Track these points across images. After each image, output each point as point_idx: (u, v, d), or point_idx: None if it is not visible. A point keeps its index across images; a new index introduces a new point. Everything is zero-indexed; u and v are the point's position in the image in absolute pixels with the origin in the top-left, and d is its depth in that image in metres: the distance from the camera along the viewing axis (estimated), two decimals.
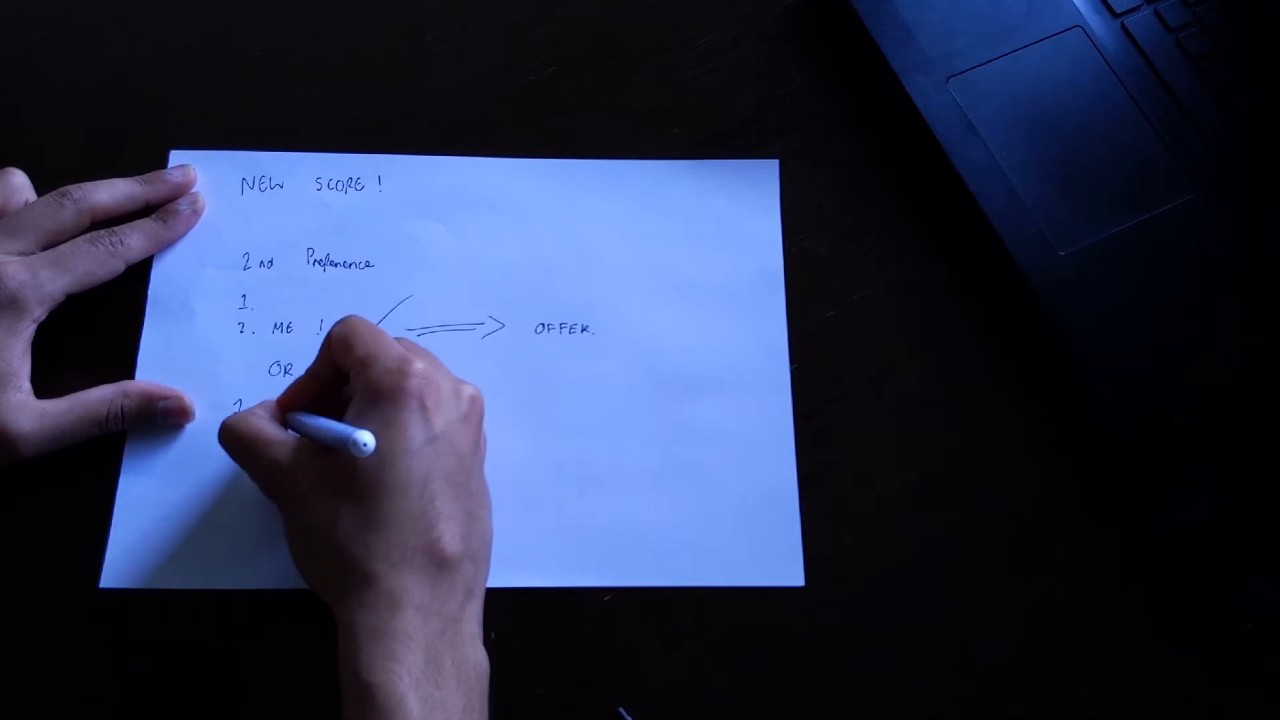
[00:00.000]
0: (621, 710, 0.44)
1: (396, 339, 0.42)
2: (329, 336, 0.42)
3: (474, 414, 0.41)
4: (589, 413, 0.48)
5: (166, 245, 0.50)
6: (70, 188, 0.47)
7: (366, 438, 0.37)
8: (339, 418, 0.40)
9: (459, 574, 0.39)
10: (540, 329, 0.50)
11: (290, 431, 0.42)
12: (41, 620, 0.44)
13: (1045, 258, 0.49)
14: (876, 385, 0.49)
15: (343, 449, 0.37)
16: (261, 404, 0.43)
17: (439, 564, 0.38)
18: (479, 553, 0.40)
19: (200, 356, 0.48)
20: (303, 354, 0.48)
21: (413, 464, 0.38)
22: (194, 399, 0.47)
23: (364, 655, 0.36)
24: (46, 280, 0.45)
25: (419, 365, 0.39)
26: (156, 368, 0.48)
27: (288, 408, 0.43)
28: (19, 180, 0.48)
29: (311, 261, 0.50)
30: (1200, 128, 0.52)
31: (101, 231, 0.47)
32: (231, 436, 0.42)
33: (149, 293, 0.49)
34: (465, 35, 0.55)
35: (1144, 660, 0.45)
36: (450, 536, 0.38)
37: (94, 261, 0.46)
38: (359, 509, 0.38)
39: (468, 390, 0.42)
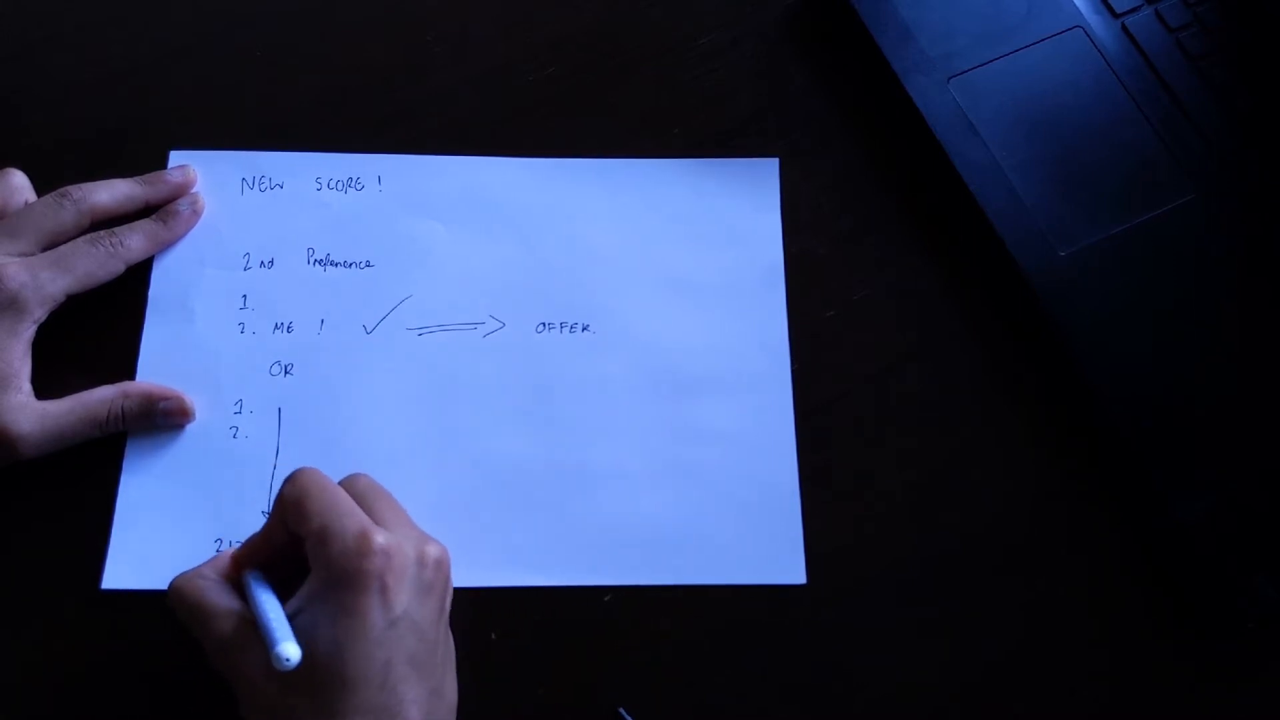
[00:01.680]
0: (621, 710, 0.44)
1: (350, 479, 0.40)
2: (280, 497, 0.39)
3: (438, 581, 0.39)
4: (590, 412, 0.48)
5: (166, 246, 0.50)
6: (70, 188, 0.47)
7: (290, 652, 0.35)
8: (298, 577, 0.38)
9: None
10: (541, 328, 0.50)
11: (237, 601, 0.39)
12: (43, 622, 0.44)
13: (1045, 258, 0.49)
14: (876, 385, 0.49)
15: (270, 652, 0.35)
16: (213, 561, 0.40)
17: None
18: None
19: (200, 357, 0.48)
20: (303, 354, 0.48)
21: (374, 653, 0.36)
22: (194, 399, 0.47)
23: None
24: (47, 281, 0.45)
25: (379, 541, 0.37)
26: (157, 368, 0.48)
27: (242, 566, 0.40)
28: (19, 181, 0.48)
29: (312, 261, 0.50)
30: (1200, 128, 0.52)
31: (102, 232, 0.47)
32: (177, 600, 0.39)
33: (149, 293, 0.49)
34: (465, 35, 0.55)
35: (1144, 660, 0.45)
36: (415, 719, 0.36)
37: (94, 262, 0.46)
38: (316, 702, 0.35)
39: (432, 554, 0.39)
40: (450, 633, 0.40)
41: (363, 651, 0.36)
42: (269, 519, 0.40)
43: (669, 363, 0.49)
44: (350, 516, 0.38)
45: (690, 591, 0.46)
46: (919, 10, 0.54)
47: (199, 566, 0.40)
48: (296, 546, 0.38)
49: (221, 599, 0.38)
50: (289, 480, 0.39)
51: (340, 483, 0.40)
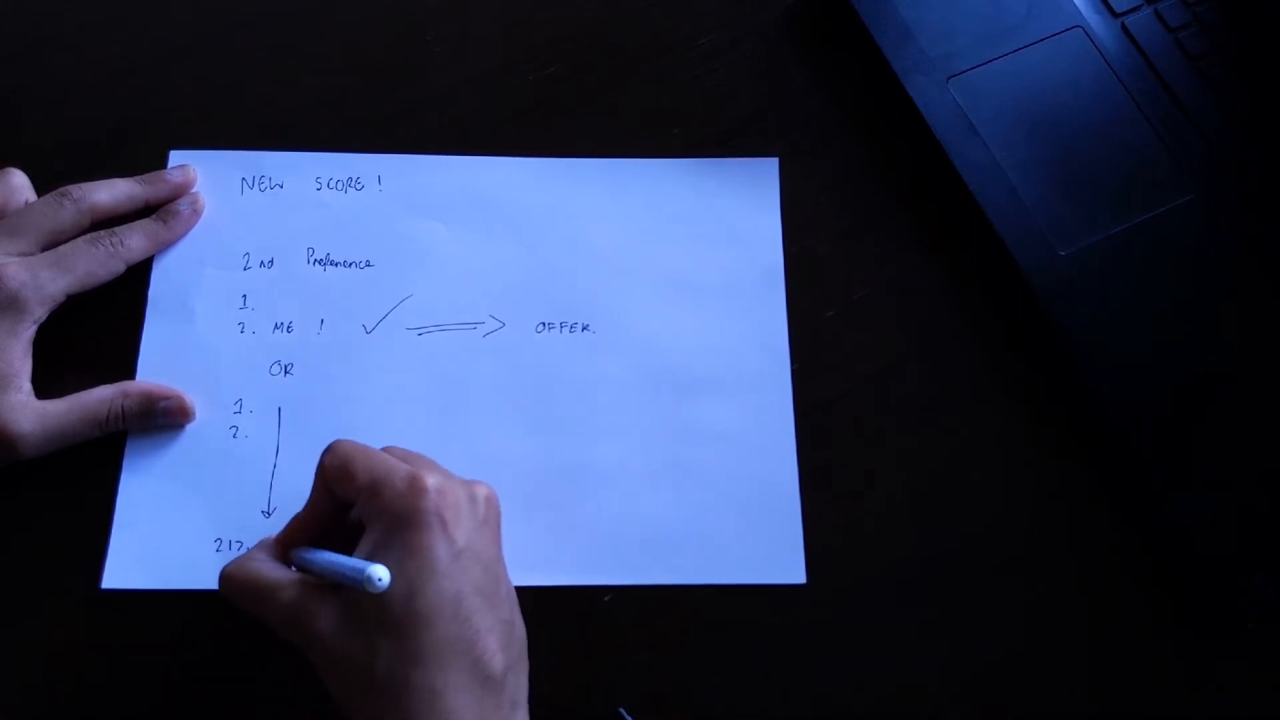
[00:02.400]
0: (621, 710, 0.44)
1: (386, 449, 0.40)
2: (321, 467, 0.39)
3: (491, 516, 0.40)
4: (590, 411, 0.48)
5: (167, 245, 0.50)
6: (70, 188, 0.47)
7: (380, 573, 0.35)
8: (346, 549, 0.38)
9: (505, 688, 0.38)
10: (541, 328, 0.50)
11: (292, 572, 0.39)
12: (43, 622, 0.44)
13: (1045, 258, 0.49)
14: (876, 385, 0.49)
15: (358, 587, 0.35)
16: (259, 545, 0.41)
17: (485, 682, 0.37)
18: (519, 660, 0.39)
19: (200, 356, 0.48)
20: (303, 354, 0.48)
21: (444, 585, 0.36)
22: (194, 399, 0.47)
23: None
24: (47, 281, 0.45)
25: (431, 481, 0.38)
26: (157, 368, 0.48)
27: (289, 545, 0.40)
28: (19, 180, 0.48)
29: (312, 261, 0.50)
30: (1200, 128, 0.52)
31: (102, 232, 0.47)
32: (233, 585, 0.39)
33: (149, 293, 0.49)
34: (465, 35, 0.55)
35: (1144, 660, 0.45)
36: (493, 653, 0.37)
37: (94, 262, 0.46)
38: (396, 643, 0.36)
39: (481, 492, 0.40)
40: (510, 582, 0.40)
41: (434, 586, 0.36)
42: (311, 496, 0.41)
43: (669, 362, 0.49)
44: (397, 466, 0.38)
45: (691, 591, 0.46)
46: (919, 10, 0.54)
47: (245, 552, 0.40)
48: (341, 517, 0.40)
49: (278, 572, 0.39)
50: (328, 451, 0.40)
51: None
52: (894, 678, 0.45)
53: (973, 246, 0.51)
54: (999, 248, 0.50)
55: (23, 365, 0.45)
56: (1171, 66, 0.53)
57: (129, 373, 0.48)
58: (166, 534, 0.45)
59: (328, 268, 0.50)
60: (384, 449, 0.41)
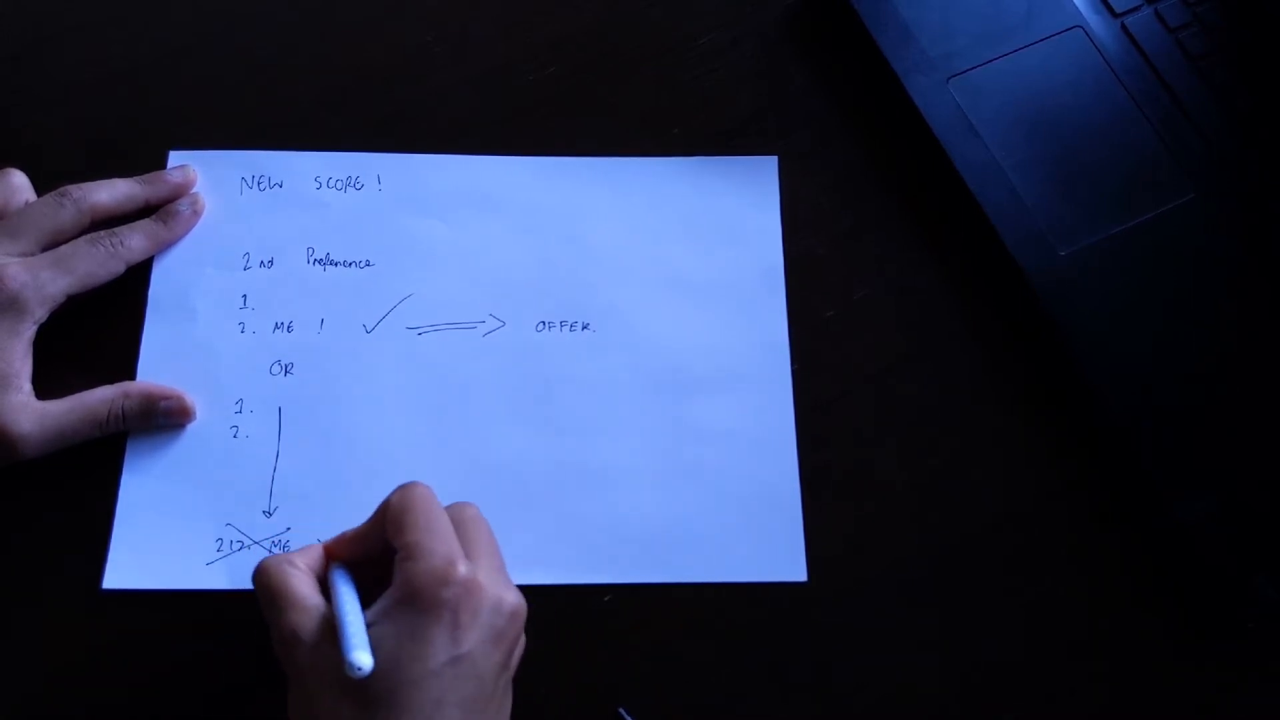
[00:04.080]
0: (621, 710, 0.44)
1: (460, 506, 0.40)
2: (386, 504, 0.39)
3: (511, 631, 0.38)
4: (590, 411, 0.48)
5: (167, 246, 0.50)
6: (70, 188, 0.47)
7: (363, 661, 0.34)
8: (377, 586, 0.38)
9: None
10: (541, 327, 0.50)
11: (320, 597, 0.39)
12: (44, 622, 0.44)
13: (1045, 258, 0.49)
14: (876, 385, 0.49)
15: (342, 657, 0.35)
16: (305, 551, 0.40)
17: None
18: None
19: (201, 356, 0.48)
20: (303, 353, 0.48)
21: (429, 685, 0.35)
22: (195, 399, 0.47)
23: None
24: (47, 281, 0.45)
25: (461, 573, 0.36)
26: (157, 368, 0.48)
27: (333, 557, 0.40)
28: (19, 180, 0.48)
29: (312, 261, 0.50)
30: (1200, 128, 0.52)
31: (102, 232, 0.47)
32: (264, 581, 0.39)
33: (149, 293, 0.49)
34: (465, 35, 0.55)
35: (1144, 660, 0.45)
36: None
37: (94, 262, 0.46)
38: (363, 715, 0.35)
39: (510, 603, 0.38)
40: (510, 691, 0.39)
41: (418, 680, 0.35)
42: (370, 520, 0.40)
43: (669, 362, 0.49)
44: (443, 542, 0.37)
45: (690, 590, 0.46)
46: (919, 10, 0.54)
47: (291, 554, 0.40)
48: (387, 554, 0.38)
49: (307, 592, 0.38)
50: (399, 490, 0.39)
51: (449, 506, 0.40)
52: (894, 678, 0.45)
53: (973, 246, 0.51)
54: (999, 248, 0.50)
55: (23, 366, 0.45)
56: (1171, 66, 0.53)
57: (129, 373, 0.48)
58: (167, 534, 0.45)
59: (328, 267, 0.50)
60: (459, 506, 0.40)
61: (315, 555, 0.40)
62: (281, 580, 0.38)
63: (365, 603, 0.38)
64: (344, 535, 0.41)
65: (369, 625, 0.36)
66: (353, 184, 0.52)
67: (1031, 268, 0.49)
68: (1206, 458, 0.47)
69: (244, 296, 0.49)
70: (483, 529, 0.40)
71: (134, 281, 0.49)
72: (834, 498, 0.47)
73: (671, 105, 0.54)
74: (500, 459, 0.47)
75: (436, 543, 0.37)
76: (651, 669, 0.45)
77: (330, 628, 0.37)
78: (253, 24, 0.55)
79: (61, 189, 0.47)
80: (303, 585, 0.38)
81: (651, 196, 0.52)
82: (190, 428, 0.47)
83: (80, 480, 0.46)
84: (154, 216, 0.49)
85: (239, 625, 0.44)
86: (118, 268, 0.47)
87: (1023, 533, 0.47)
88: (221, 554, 0.45)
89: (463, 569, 0.37)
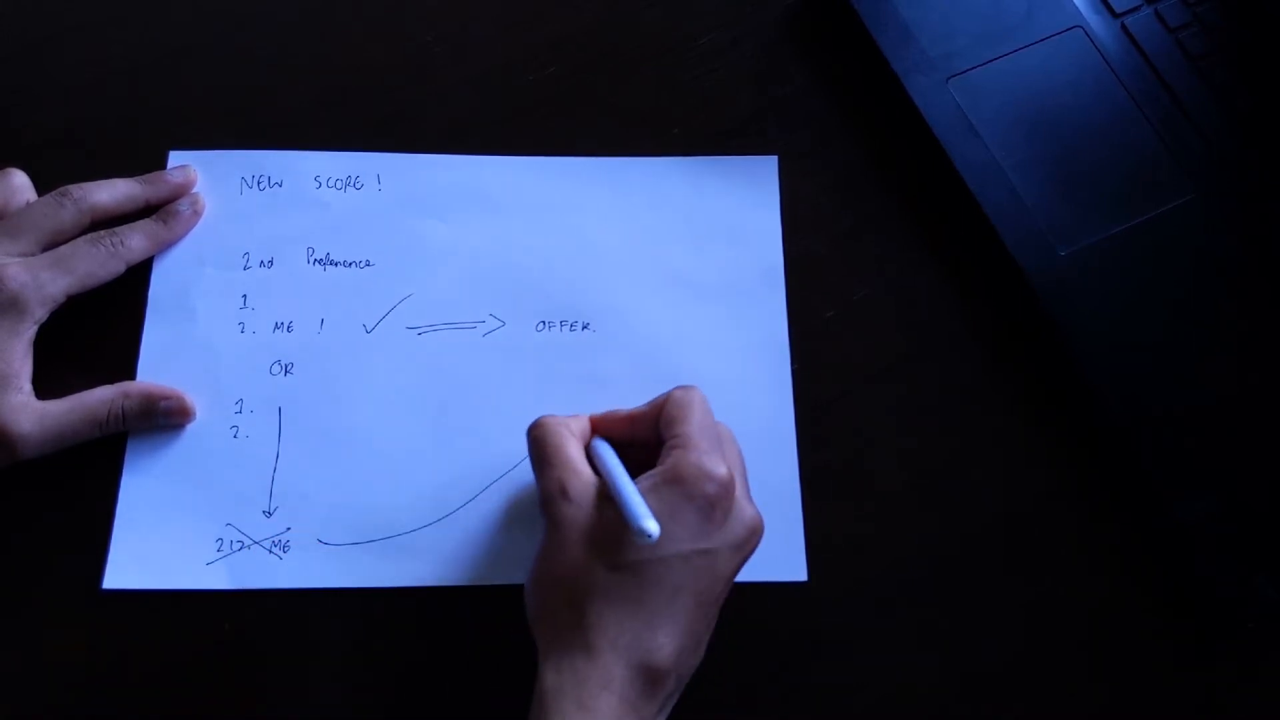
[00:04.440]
0: None
1: (717, 428, 0.41)
2: (670, 397, 0.41)
3: (749, 545, 0.40)
4: (591, 410, 0.48)
5: (167, 246, 0.50)
6: (70, 188, 0.47)
7: (652, 528, 0.36)
8: (636, 467, 0.40)
9: (663, 687, 0.38)
10: (541, 326, 0.50)
11: (587, 464, 0.41)
12: (43, 622, 0.44)
13: (1045, 258, 0.49)
14: (876, 385, 0.49)
15: (628, 522, 0.37)
16: (577, 418, 0.43)
17: (651, 671, 0.37)
18: (685, 676, 0.39)
19: (201, 356, 0.48)
20: (303, 353, 0.48)
21: (676, 567, 0.37)
22: (195, 399, 0.47)
23: None
24: (47, 281, 0.45)
25: (724, 474, 0.39)
26: (157, 368, 0.48)
27: (597, 430, 0.43)
28: (19, 180, 0.48)
29: (311, 261, 0.50)
30: (1200, 128, 0.52)
31: (102, 232, 0.47)
32: (537, 436, 0.41)
33: (149, 293, 0.49)
34: (465, 35, 0.55)
35: (1144, 660, 0.45)
36: (669, 651, 0.37)
37: (95, 262, 0.46)
38: (613, 579, 0.37)
39: (753, 518, 0.40)
40: (718, 613, 0.40)
41: (668, 560, 0.37)
42: (646, 407, 0.43)
43: (669, 361, 0.49)
44: (717, 447, 0.40)
45: None
46: (919, 10, 0.54)
47: (565, 418, 0.42)
48: (651, 442, 0.41)
49: (578, 455, 0.41)
50: (682, 388, 0.42)
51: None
52: (894, 678, 0.45)
53: (973, 246, 0.51)
54: (999, 248, 0.50)
55: (23, 366, 0.45)
56: (1171, 66, 0.53)
57: (129, 373, 0.48)
58: (167, 534, 0.45)
59: (328, 267, 0.50)
60: (718, 425, 0.42)
61: (584, 425, 0.43)
62: (559, 440, 0.41)
63: None
64: (614, 413, 0.43)
65: None
66: (353, 184, 0.52)
67: (1031, 268, 0.49)
68: (1206, 458, 0.47)
69: (244, 296, 0.49)
70: (736, 448, 0.43)
71: (134, 281, 0.49)
72: (834, 498, 0.47)
73: (671, 105, 0.54)
74: (500, 458, 0.47)
75: (711, 445, 0.40)
76: None
77: (595, 492, 0.39)
78: (253, 24, 0.55)
79: (61, 189, 0.47)
80: (575, 449, 0.41)
81: (651, 196, 0.52)
82: (190, 428, 0.47)
83: (80, 480, 0.46)
84: (154, 216, 0.49)
85: (239, 626, 0.44)
86: (118, 268, 0.47)
87: (1023, 533, 0.47)
88: (221, 554, 0.45)
89: (725, 471, 0.39)
